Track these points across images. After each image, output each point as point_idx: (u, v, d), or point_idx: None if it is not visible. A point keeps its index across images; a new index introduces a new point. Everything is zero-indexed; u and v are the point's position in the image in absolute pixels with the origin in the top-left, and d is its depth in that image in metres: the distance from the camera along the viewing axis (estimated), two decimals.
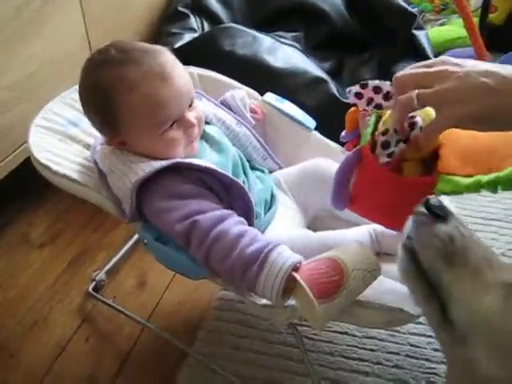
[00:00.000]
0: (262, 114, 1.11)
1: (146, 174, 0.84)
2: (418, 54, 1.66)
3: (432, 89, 0.66)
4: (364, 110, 0.81)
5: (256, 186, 0.98)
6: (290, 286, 0.74)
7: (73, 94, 1.09)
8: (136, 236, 1.31)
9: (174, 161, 0.86)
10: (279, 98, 1.15)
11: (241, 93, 1.09)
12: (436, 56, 1.71)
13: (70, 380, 1.08)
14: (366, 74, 1.69)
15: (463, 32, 2.01)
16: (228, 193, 0.89)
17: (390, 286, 0.85)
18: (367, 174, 0.76)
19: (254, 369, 1.06)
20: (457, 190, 0.68)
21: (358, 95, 0.81)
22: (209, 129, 0.97)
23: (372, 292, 0.82)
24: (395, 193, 0.73)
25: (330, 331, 1.11)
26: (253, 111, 1.09)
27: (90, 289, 1.23)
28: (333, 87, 1.43)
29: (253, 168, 1.02)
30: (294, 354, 1.08)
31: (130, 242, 1.31)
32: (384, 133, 0.74)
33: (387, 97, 0.79)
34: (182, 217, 0.82)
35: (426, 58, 1.64)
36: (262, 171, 1.04)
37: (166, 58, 0.88)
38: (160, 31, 1.60)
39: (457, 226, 0.53)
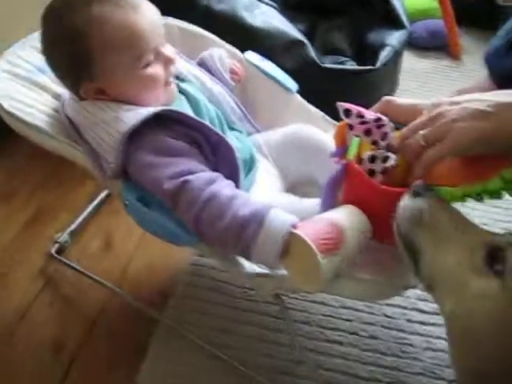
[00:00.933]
0: (242, 75, 1.06)
1: (137, 122, 0.79)
2: (393, 22, 1.64)
3: (432, 128, 0.68)
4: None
5: (235, 145, 0.94)
6: (286, 247, 0.72)
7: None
8: (103, 194, 1.25)
9: (166, 108, 0.82)
10: (261, 57, 1.11)
11: (220, 51, 1.05)
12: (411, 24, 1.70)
13: (33, 346, 1.02)
14: (338, 40, 1.66)
15: (434, 3, 2.01)
16: (214, 153, 0.85)
17: (377, 259, 0.85)
18: (354, 186, 0.77)
19: (228, 337, 1.04)
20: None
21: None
22: (185, 85, 0.93)
23: (360, 264, 0.81)
24: (381, 204, 0.73)
25: (307, 300, 1.10)
26: (232, 72, 1.04)
27: (53, 251, 1.16)
28: (311, 51, 1.38)
29: (230, 128, 0.98)
30: (270, 322, 1.06)
31: (95, 202, 1.25)
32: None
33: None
34: (173, 175, 0.78)
35: (402, 26, 1.62)
36: (240, 132, 1.00)
37: None
38: None
39: (428, 200, 0.66)
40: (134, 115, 0.81)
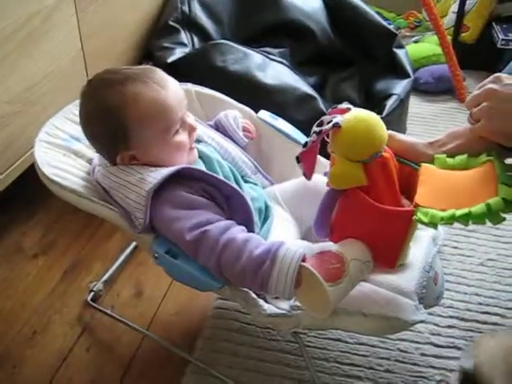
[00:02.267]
0: (255, 132, 1.16)
1: (159, 181, 0.88)
2: (398, 72, 1.74)
3: (478, 107, 0.80)
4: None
5: (250, 196, 1.03)
6: (298, 278, 0.80)
7: (74, 109, 1.12)
8: (131, 246, 1.35)
9: (181, 166, 0.92)
10: (273, 115, 1.21)
11: (234, 112, 1.15)
12: (414, 72, 1.80)
13: None
14: (347, 90, 1.76)
15: (438, 49, 2.11)
16: (228, 203, 0.95)
17: (386, 296, 0.92)
18: (349, 204, 0.84)
19: (252, 375, 1.11)
20: (433, 222, 0.75)
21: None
22: (201, 147, 1.03)
23: (370, 301, 0.88)
24: (376, 222, 0.81)
25: (324, 338, 1.17)
26: (245, 130, 1.15)
27: (89, 299, 1.26)
28: (321, 104, 1.49)
29: (246, 181, 1.08)
30: (291, 360, 1.13)
31: (126, 252, 1.35)
32: None
33: None
34: (193, 226, 0.87)
35: (406, 75, 1.72)
36: (255, 184, 1.09)
37: (157, 70, 0.97)
38: (151, 45, 1.64)
39: None
40: (156, 175, 0.90)
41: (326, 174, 0.88)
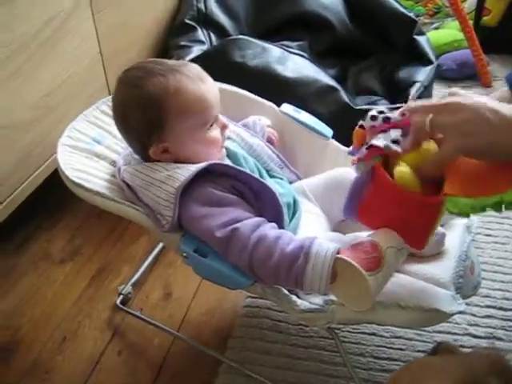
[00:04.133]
0: (278, 141, 1.14)
1: (187, 178, 0.87)
2: (421, 59, 1.71)
3: (445, 117, 0.72)
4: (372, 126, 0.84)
5: (277, 191, 1.01)
6: (334, 272, 0.78)
7: (95, 112, 1.12)
8: (158, 248, 1.33)
9: (211, 162, 0.90)
10: (296, 108, 1.19)
11: (263, 121, 1.13)
12: (437, 59, 1.76)
13: None
14: (369, 81, 1.73)
15: (459, 35, 2.07)
16: (258, 199, 0.93)
17: (422, 287, 0.89)
18: (379, 190, 0.80)
19: (287, 373, 1.09)
20: (465, 211, 0.73)
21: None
22: (228, 143, 1.02)
23: (406, 292, 0.86)
24: (405, 211, 0.78)
25: (359, 332, 1.15)
26: (269, 140, 1.12)
27: (118, 302, 1.25)
28: (343, 95, 1.46)
29: (271, 176, 1.06)
30: (326, 356, 1.11)
31: (153, 254, 1.33)
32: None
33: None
34: (223, 224, 0.85)
35: (429, 62, 1.68)
36: (281, 179, 1.07)
37: (196, 65, 0.96)
38: (168, 44, 1.63)
39: None
40: (184, 172, 0.89)
41: (350, 153, 0.86)
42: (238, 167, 0.93)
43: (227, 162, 0.98)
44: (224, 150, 0.99)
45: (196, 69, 0.94)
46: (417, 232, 0.80)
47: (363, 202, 0.82)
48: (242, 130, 1.08)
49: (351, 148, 0.87)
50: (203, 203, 0.88)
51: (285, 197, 1.00)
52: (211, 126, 0.94)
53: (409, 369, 0.72)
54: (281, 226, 0.91)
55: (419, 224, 0.79)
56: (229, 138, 1.04)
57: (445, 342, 0.72)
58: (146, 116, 0.91)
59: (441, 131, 0.74)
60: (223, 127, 0.97)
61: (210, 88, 0.93)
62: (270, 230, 0.85)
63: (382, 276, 0.76)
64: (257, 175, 0.97)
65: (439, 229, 0.94)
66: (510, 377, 0.62)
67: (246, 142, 1.06)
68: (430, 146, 0.77)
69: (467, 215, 0.74)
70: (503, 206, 0.70)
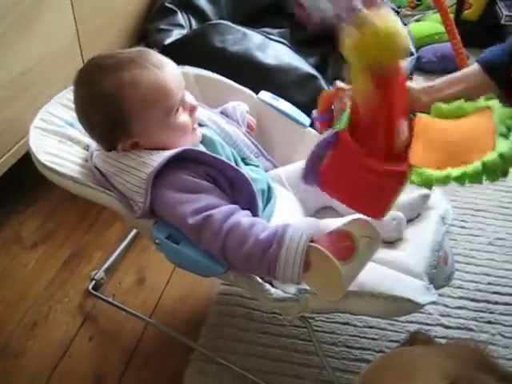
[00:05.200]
0: (256, 127, 1.13)
1: (160, 164, 0.86)
2: None
3: None
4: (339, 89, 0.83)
5: (251, 178, 1.00)
6: (307, 260, 0.78)
7: (68, 95, 1.09)
8: (132, 234, 1.32)
9: (183, 148, 0.89)
10: (274, 96, 1.17)
11: (243, 106, 1.12)
12: (417, 51, 1.76)
13: (76, 379, 1.08)
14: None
15: (440, 28, 2.06)
16: (232, 186, 0.92)
17: (395, 277, 0.89)
18: (342, 156, 0.79)
19: (259, 361, 1.09)
20: (428, 183, 0.71)
21: None
22: (203, 130, 1.00)
23: (379, 282, 0.86)
24: (367, 178, 0.76)
25: (332, 322, 1.15)
26: (249, 127, 1.11)
27: (90, 288, 1.23)
28: (323, 83, 1.45)
29: (247, 164, 1.05)
30: (299, 345, 1.11)
31: (127, 240, 1.32)
32: None
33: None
34: (195, 211, 0.84)
35: (409, 53, 1.68)
36: (256, 166, 1.06)
37: (152, 52, 0.93)
38: (148, 27, 1.60)
39: None
40: (157, 158, 0.87)
41: (315, 119, 0.86)
42: (213, 154, 0.92)
43: (202, 147, 0.96)
44: (199, 133, 0.97)
45: (152, 56, 0.91)
46: (377, 200, 0.79)
47: (325, 169, 0.81)
48: (219, 118, 1.06)
49: (315, 112, 0.86)
50: (177, 189, 0.87)
51: (259, 183, 0.99)
52: (177, 110, 0.92)
53: (390, 358, 0.70)
54: (255, 214, 0.90)
55: (380, 192, 0.78)
56: (205, 126, 1.02)
57: (420, 332, 0.72)
58: (107, 114, 0.89)
59: None
60: (191, 109, 0.94)
61: (169, 73, 0.90)
62: (243, 217, 0.85)
63: (354, 265, 0.76)
64: (232, 163, 0.97)
65: (399, 214, 0.94)
66: (492, 370, 0.61)
67: (222, 129, 1.04)
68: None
69: (430, 187, 0.72)
70: (466, 180, 0.68)
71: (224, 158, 0.93)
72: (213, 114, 1.06)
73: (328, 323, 1.15)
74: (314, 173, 0.82)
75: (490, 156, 0.66)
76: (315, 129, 0.88)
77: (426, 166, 0.72)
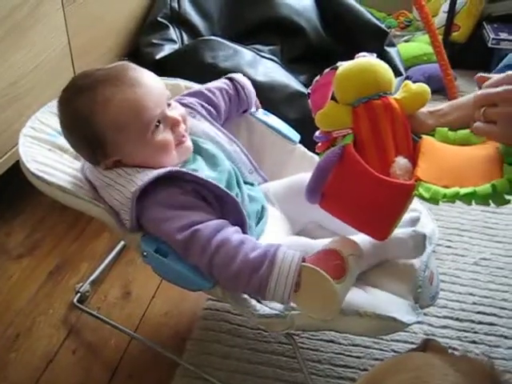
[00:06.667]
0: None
1: (144, 183, 0.85)
2: None
3: (497, 108, 0.72)
4: None
5: (248, 199, 1.00)
6: (297, 281, 0.78)
7: None
8: (119, 246, 1.31)
9: (169, 169, 0.88)
10: (265, 111, 1.19)
11: (249, 86, 1.13)
12: (406, 71, 1.78)
13: None
14: None
15: (428, 48, 2.09)
16: (221, 205, 0.91)
17: (381, 296, 0.90)
18: (347, 172, 0.79)
19: (244, 377, 1.08)
20: (435, 198, 0.72)
21: None
22: (204, 143, 0.99)
23: (365, 301, 0.86)
24: (373, 193, 0.76)
25: (317, 339, 1.15)
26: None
27: (75, 300, 1.22)
28: None
29: (244, 182, 1.05)
30: (283, 362, 1.11)
31: (113, 253, 1.31)
32: None
33: None
34: (183, 227, 0.84)
35: (398, 73, 1.71)
36: (252, 184, 1.06)
37: (130, 67, 0.91)
38: (139, 41, 1.61)
39: None
40: (142, 177, 0.87)
41: (316, 138, 0.86)
42: (200, 175, 0.89)
43: (200, 160, 0.95)
44: (188, 146, 0.94)
45: (128, 72, 0.90)
46: (381, 220, 0.79)
47: (329, 185, 0.80)
48: (221, 135, 1.05)
49: (318, 133, 0.86)
50: (166, 206, 0.87)
51: (256, 204, 0.99)
52: (157, 127, 0.90)
53: (402, 361, 0.68)
54: (244, 232, 0.90)
55: (386, 209, 0.78)
56: (201, 141, 1.01)
57: (434, 340, 0.71)
58: (83, 135, 0.90)
59: (493, 120, 0.73)
60: (174, 124, 0.92)
61: (144, 90, 0.88)
62: (233, 234, 0.84)
63: (347, 284, 0.77)
64: (233, 180, 0.96)
65: (420, 230, 0.93)
66: None
67: (223, 149, 1.03)
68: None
69: (436, 202, 0.73)
70: (474, 199, 0.70)
71: (211, 180, 0.89)
72: (212, 130, 1.04)
73: (313, 340, 1.15)
74: (317, 191, 0.82)
75: (500, 180, 0.69)
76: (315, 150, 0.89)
77: (432, 182, 0.73)
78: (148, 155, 0.90)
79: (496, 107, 0.72)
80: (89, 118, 0.87)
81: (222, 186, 0.91)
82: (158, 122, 0.90)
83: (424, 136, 0.81)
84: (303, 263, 0.78)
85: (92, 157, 0.92)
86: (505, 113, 0.71)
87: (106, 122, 0.87)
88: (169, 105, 0.93)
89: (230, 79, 1.12)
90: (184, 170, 0.90)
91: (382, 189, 0.76)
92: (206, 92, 1.08)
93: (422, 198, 0.74)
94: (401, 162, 0.77)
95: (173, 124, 0.92)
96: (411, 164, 0.78)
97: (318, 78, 0.87)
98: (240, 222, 0.91)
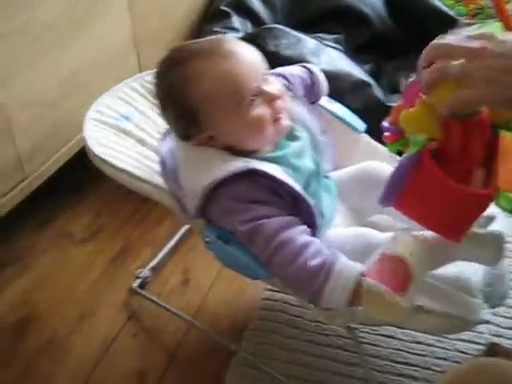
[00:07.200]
0: None
1: (221, 177, 0.83)
2: None
3: (476, 64, 0.64)
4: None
5: (324, 199, 0.95)
6: (357, 293, 0.75)
7: (124, 88, 1.11)
8: (181, 232, 1.32)
9: (250, 166, 0.84)
10: (330, 99, 1.16)
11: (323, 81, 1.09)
12: None
13: (119, 375, 1.09)
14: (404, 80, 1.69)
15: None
16: (295, 204, 0.88)
17: (449, 293, 0.86)
18: (423, 177, 0.74)
19: (301, 369, 1.07)
20: None
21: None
22: (299, 132, 0.95)
23: (432, 297, 0.83)
24: (449, 201, 0.73)
25: (377, 334, 1.12)
26: None
27: (135, 286, 1.24)
28: (377, 91, 1.43)
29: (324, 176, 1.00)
30: (341, 355, 1.09)
31: (175, 239, 1.32)
32: None
33: None
34: (248, 219, 0.82)
35: None
36: (327, 177, 1.01)
37: (225, 40, 0.88)
38: (202, 29, 1.61)
39: None
40: (224, 168, 0.84)
41: (384, 128, 0.81)
42: (278, 175, 0.84)
43: (279, 148, 0.91)
44: (284, 124, 0.89)
45: (224, 44, 0.86)
46: (457, 223, 0.75)
47: (405, 190, 0.76)
48: (316, 126, 0.99)
49: (386, 122, 0.81)
50: (235, 199, 0.84)
51: (331, 206, 0.96)
52: (252, 101, 0.85)
53: (482, 369, 0.64)
54: (313, 233, 0.86)
55: (461, 216, 0.74)
56: (297, 129, 0.96)
57: (499, 345, 0.67)
58: (177, 109, 0.88)
59: (470, 77, 0.65)
60: (271, 99, 0.86)
61: (237, 61, 0.84)
62: (299, 234, 0.81)
63: (411, 293, 0.73)
64: (313, 175, 0.92)
65: (499, 231, 0.84)
66: None
67: (314, 139, 0.98)
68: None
69: None
70: None
71: (288, 181, 0.85)
72: (311, 121, 0.99)
73: (373, 335, 1.12)
74: (393, 195, 0.78)
75: None
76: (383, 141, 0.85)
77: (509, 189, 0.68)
78: (242, 133, 0.87)
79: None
80: (182, 92, 0.86)
81: (300, 183, 0.88)
82: (255, 96, 0.85)
83: (502, 132, 0.74)
84: (363, 278, 0.75)
85: (185, 131, 0.89)
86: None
87: (200, 96, 0.85)
88: (265, 80, 0.88)
89: (309, 70, 1.08)
90: (264, 169, 0.85)
91: (458, 197, 0.72)
92: (289, 77, 1.03)
93: (504, 209, 0.69)
94: (479, 174, 0.73)
95: (270, 99, 0.86)
96: (485, 170, 0.73)
97: None
98: (310, 222, 0.87)
